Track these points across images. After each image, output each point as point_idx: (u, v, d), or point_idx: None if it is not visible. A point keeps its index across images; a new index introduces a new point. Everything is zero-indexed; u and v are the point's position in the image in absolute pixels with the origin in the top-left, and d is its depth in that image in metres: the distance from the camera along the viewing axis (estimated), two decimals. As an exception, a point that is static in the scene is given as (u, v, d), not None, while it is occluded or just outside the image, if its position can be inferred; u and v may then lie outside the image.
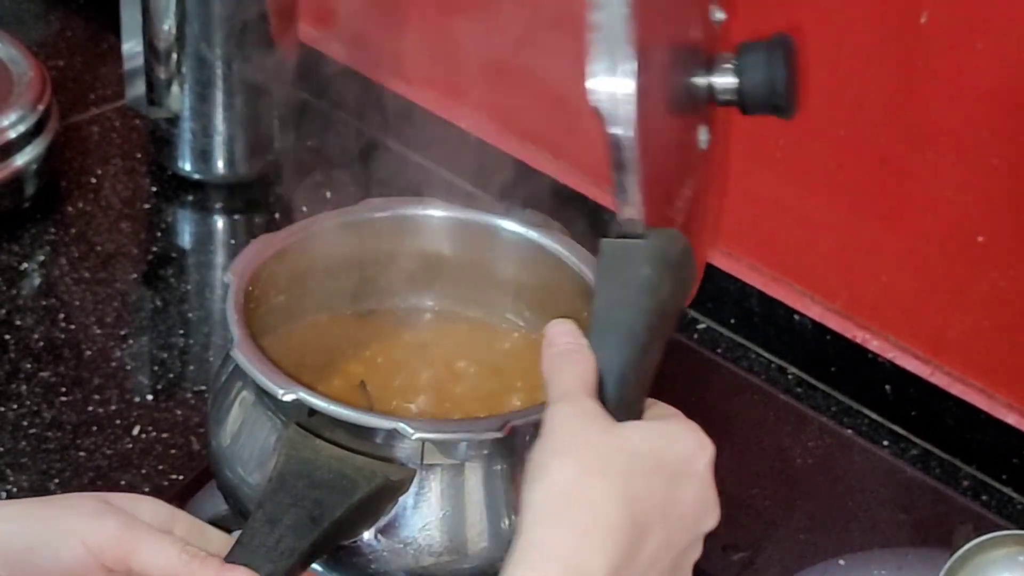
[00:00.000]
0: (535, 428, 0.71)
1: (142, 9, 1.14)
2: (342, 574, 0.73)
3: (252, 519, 0.67)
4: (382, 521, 0.72)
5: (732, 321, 1.13)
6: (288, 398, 0.71)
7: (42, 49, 1.33)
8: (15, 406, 0.97)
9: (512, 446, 0.73)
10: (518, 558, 0.58)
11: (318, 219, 0.86)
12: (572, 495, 0.59)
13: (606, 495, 0.58)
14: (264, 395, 0.75)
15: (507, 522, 0.73)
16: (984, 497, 1.00)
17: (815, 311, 1.09)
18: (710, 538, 0.94)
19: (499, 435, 0.69)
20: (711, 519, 0.63)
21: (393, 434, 0.70)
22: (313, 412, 0.71)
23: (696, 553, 0.63)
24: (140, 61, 1.18)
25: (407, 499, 0.72)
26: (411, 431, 0.69)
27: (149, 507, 0.70)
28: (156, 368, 1.02)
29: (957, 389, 1.03)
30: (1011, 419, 1.02)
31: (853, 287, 1.07)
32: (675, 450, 0.62)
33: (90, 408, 0.98)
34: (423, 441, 0.70)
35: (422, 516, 0.72)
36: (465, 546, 0.73)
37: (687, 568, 0.63)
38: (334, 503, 0.68)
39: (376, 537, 0.72)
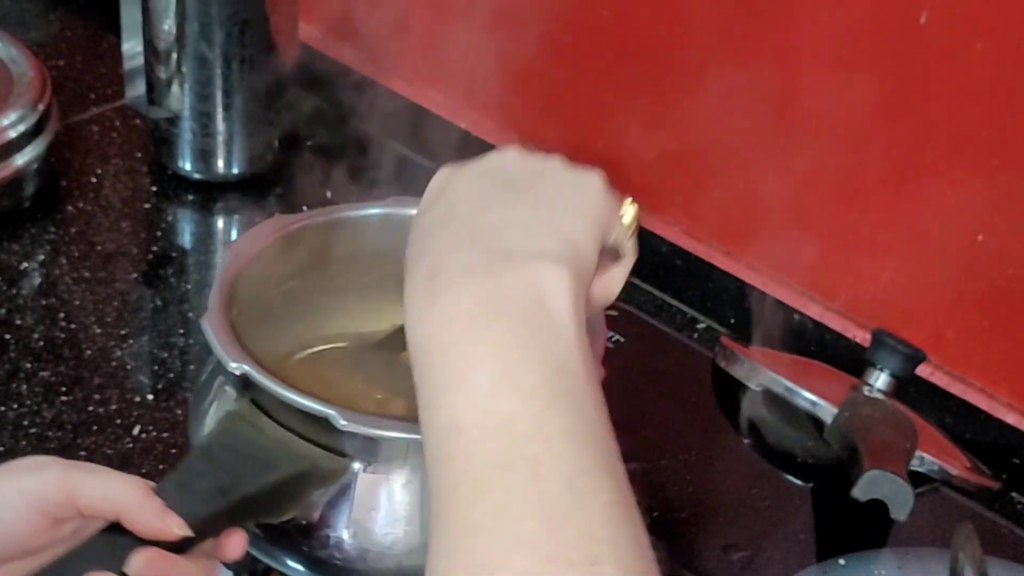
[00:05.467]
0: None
1: (142, 9, 1.14)
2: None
3: (164, 481, 0.67)
4: (314, 509, 0.72)
5: (732, 321, 1.13)
6: (236, 371, 0.71)
7: (42, 49, 1.33)
8: (15, 406, 0.97)
9: None
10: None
11: (326, 211, 0.87)
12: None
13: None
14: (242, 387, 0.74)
15: None
16: (984, 496, 1.00)
17: (814, 310, 1.09)
18: (711, 538, 0.95)
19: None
20: (592, 175, 0.65)
21: (328, 422, 0.69)
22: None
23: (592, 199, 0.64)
24: (140, 61, 1.18)
25: (380, 496, 0.71)
26: (341, 420, 0.69)
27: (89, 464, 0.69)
28: (156, 368, 1.02)
29: (957, 388, 1.03)
30: (1011, 418, 1.02)
31: (852, 287, 1.08)
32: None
33: (90, 408, 0.98)
34: (355, 434, 0.70)
35: (392, 514, 0.72)
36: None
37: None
38: (248, 479, 0.68)
39: (353, 536, 0.72)
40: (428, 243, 0.61)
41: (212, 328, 0.74)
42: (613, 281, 0.68)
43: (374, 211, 0.88)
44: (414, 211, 0.87)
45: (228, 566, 0.80)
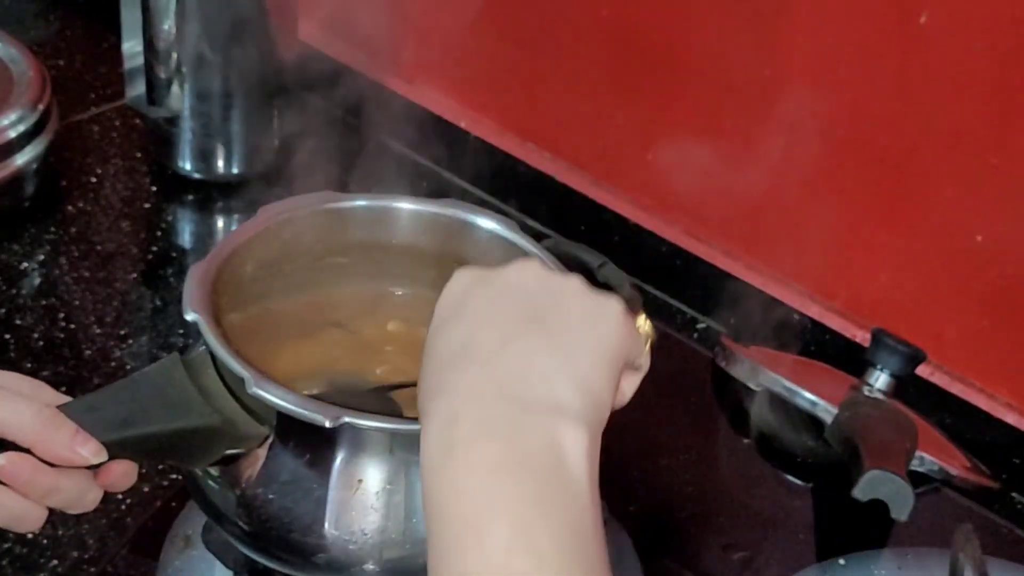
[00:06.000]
0: (385, 435, 0.70)
1: (142, 8, 1.14)
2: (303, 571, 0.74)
3: (77, 400, 0.68)
4: (235, 467, 0.72)
5: (731, 320, 1.13)
6: (190, 318, 0.72)
7: (42, 49, 1.33)
8: (15, 405, 0.97)
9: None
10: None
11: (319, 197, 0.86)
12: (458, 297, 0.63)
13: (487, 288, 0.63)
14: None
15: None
16: (984, 496, 1.00)
17: (814, 310, 1.09)
18: (711, 538, 0.95)
19: (326, 423, 0.68)
20: (612, 303, 0.63)
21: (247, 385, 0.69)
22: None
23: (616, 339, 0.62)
24: (140, 60, 1.18)
25: (354, 488, 0.71)
26: (252, 382, 0.68)
27: (11, 379, 0.69)
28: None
29: (957, 388, 1.03)
30: (1011, 418, 1.02)
31: (852, 286, 1.08)
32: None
33: (90, 407, 0.98)
34: (263, 401, 0.69)
35: (368, 506, 0.72)
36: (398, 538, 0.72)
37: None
38: (153, 419, 0.68)
39: (334, 527, 0.72)
40: (446, 379, 0.59)
41: (193, 276, 0.75)
42: (626, 390, 0.68)
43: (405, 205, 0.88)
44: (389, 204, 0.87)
45: (227, 565, 0.80)
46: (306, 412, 0.68)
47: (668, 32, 1.08)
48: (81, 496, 0.68)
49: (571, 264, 0.85)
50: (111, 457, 0.67)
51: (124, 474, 0.69)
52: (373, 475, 0.72)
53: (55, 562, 0.87)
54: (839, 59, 1.00)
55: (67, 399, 0.69)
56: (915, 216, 1.01)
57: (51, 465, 0.65)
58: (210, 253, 0.77)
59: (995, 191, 0.96)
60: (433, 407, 0.58)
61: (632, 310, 0.65)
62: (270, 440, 0.72)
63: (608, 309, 0.63)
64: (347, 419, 0.68)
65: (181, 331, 1.06)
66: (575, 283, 0.64)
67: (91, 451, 0.66)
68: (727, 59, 1.06)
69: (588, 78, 1.15)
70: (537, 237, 0.82)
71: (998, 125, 0.94)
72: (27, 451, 0.65)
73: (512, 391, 0.58)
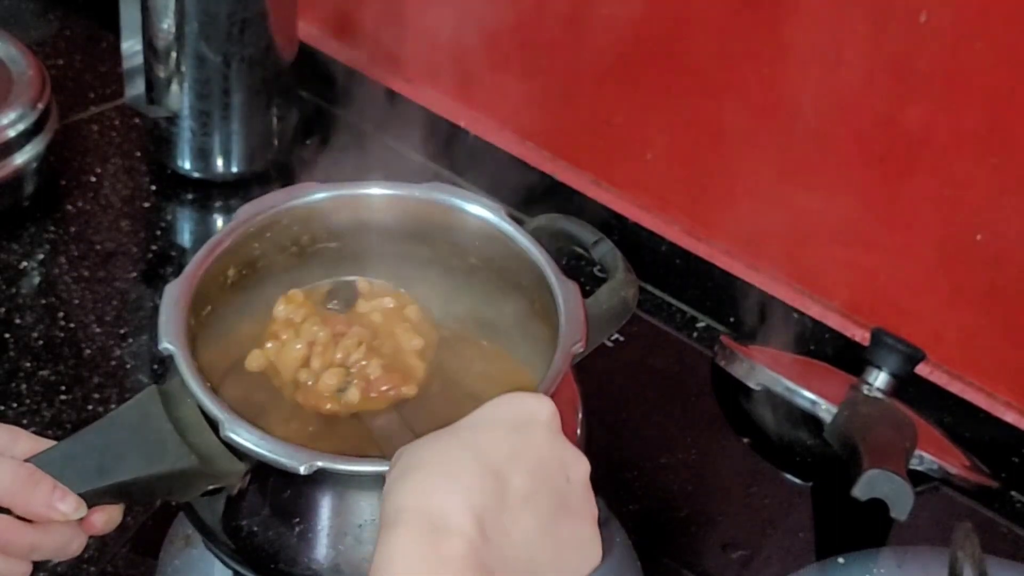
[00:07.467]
0: (356, 479, 0.69)
1: (141, 8, 1.14)
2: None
3: (53, 448, 0.67)
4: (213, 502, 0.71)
5: (731, 320, 1.13)
6: (164, 349, 0.70)
7: (41, 48, 1.33)
8: (15, 405, 0.97)
9: None
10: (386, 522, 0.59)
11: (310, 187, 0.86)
12: (425, 458, 0.60)
13: (457, 447, 0.60)
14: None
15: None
16: (983, 495, 1.00)
17: (814, 310, 1.09)
18: (710, 537, 0.95)
19: (300, 470, 0.67)
20: (579, 465, 0.63)
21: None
22: None
23: (579, 498, 0.62)
24: (139, 60, 1.18)
25: (351, 523, 0.71)
26: (225, 424, 0.67)
27: None
28: (156, 367, 1.02)
29: (956, 387, 1.03)
30: (1010, 417, 1.02)
31: (852, 286, 1.08)
32: (509, 408, 0.63)
33: (90, 407, 0.98)
34: (236, 446, 0.68)
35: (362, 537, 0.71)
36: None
37: (578, 507, 0.62)
38: (129, 465, 0.67)
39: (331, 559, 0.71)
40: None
41: (168, 298, 0.73)
42: None
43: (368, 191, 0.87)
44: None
45: (227, 565, 0.80)
46: (279, 458, 0.67)
47: (669, 32, 1.08)
48: (65, 547, 0.68)
49: (565, 240, 0.84)
50: (91, 505, 0.66)
51: (107, 521, 0.68)
52: (356, 509, 0.70)
53: (55, 561, 0.87)
54: (839, 58, 1.00)
55: (46, 443, 0.68)
56: (915, 215, 1.01)
57: (32, 520, 0.65)
58: (186, 268, 0.76)
59: (995, 191, 0.96)
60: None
61: None
62: (249, 476, 0.70)
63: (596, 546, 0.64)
64: (320, 464, 0.67)
65: (181, 330, 1.06)
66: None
67: (70, 506, 0.65)
68: (727, 59, 1.06)
69: (588, 78, 1.15)
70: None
71: (998, 124, 0.94)
72: (6, 510, 0.65)
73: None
